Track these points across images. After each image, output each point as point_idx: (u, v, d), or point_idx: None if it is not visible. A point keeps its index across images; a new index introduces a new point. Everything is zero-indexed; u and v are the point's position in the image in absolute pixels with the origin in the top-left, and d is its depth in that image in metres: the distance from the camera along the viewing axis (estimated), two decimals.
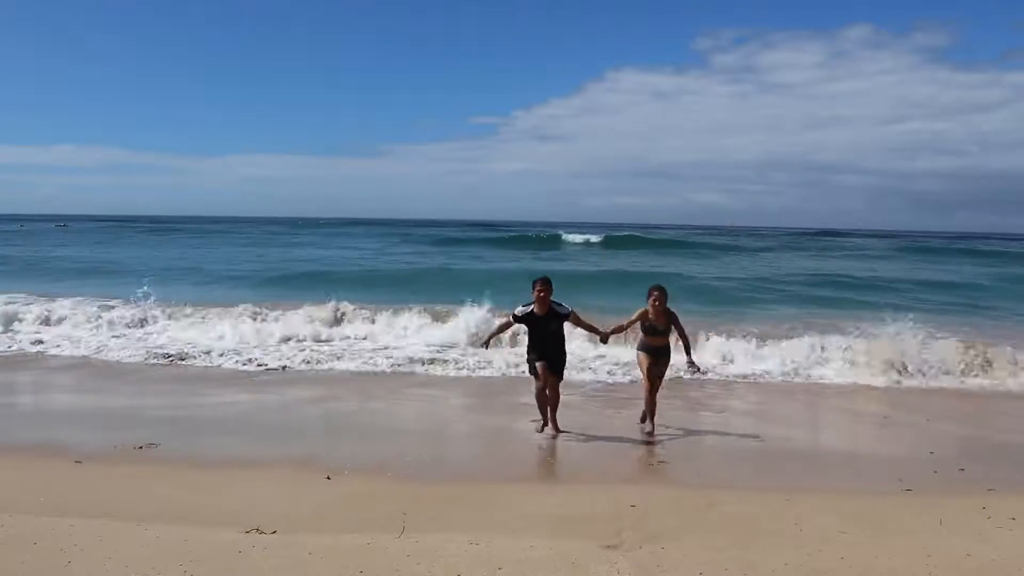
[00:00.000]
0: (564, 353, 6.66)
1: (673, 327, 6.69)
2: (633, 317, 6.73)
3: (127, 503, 4.55)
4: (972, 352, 9.71)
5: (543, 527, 4.23)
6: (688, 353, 6.68)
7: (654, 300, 6.59)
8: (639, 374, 6.85)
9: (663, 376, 6.86)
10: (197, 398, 7.98)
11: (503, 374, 9.16)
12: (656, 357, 6.71)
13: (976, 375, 9.37)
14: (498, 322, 7.38)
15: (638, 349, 6.83)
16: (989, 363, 9.56)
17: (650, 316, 6.64)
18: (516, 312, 6.65)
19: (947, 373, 9.31)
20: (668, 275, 18.99)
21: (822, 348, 9.90)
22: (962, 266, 29.78)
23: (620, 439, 6.46)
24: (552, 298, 6.49)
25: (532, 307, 6.50)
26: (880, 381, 9.07)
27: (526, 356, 6.74)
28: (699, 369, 6.92)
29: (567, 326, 6.65)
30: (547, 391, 6.46)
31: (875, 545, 4.00)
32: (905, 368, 9.35)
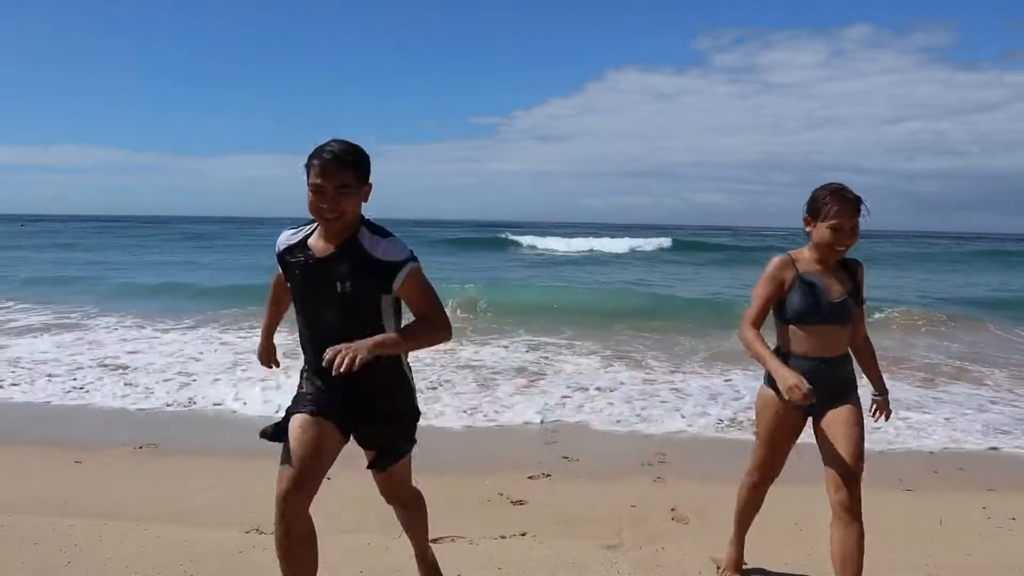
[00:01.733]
0: (394, 380, 2.63)
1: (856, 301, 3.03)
2: (761, 299, 2.98)
3: (127, 503, 4.55)
4: None
5: (543, 527, 4.23)
6: (877, 374, 3.23)
7: (834, 214, 2.87)
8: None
9: (861, 459, 2.89)
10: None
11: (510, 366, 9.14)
12: (818, 399, 2.77)
13: None
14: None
15: (767, 382, 3.05)
16: None
17: (813, 267, 2.96)
18: (279, 244, 2.67)
19: None
20: None
21: None
22: None
23: (620, 437, 6.45)
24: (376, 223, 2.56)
25: (306, 229, 2.62)
26: None
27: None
28: (887, 408, 3.24)
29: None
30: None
31: (875, 545, 3.99)
32: None
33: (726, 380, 8.53)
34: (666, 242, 41.83)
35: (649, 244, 40.93)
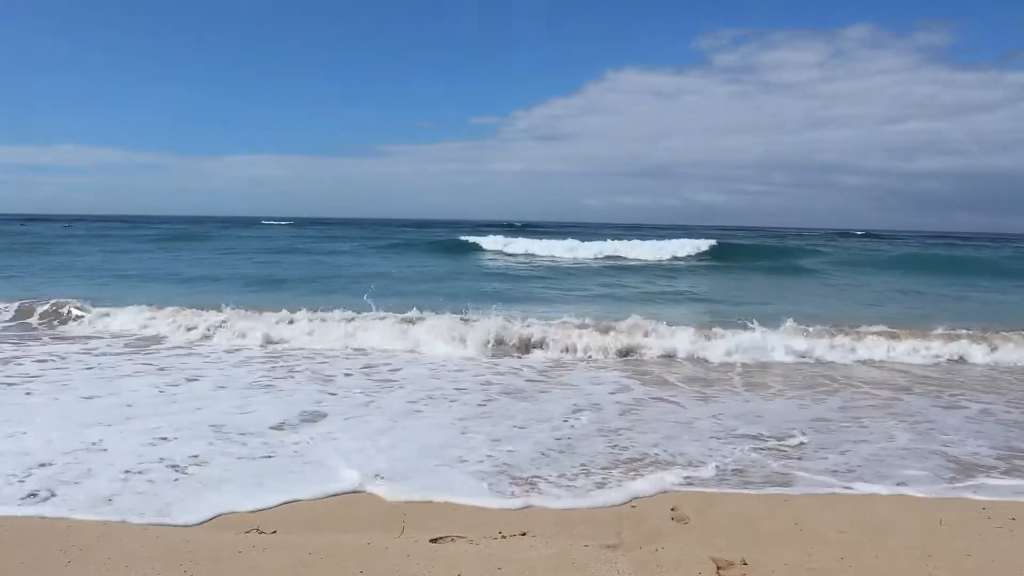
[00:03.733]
0: None
1: None
2: None
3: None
4: None
5: (543, 527, 4.23)
6: None
7: None
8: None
9: None
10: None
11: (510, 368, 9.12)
12: None
13: None
14: None
15: None
16: None
17: None
18: None
19: None
20: None
21: None
22: None
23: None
24: None
25: None
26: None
27: None
28: None
29: None
30: None
31: (875, 545, 4.00)
32: None
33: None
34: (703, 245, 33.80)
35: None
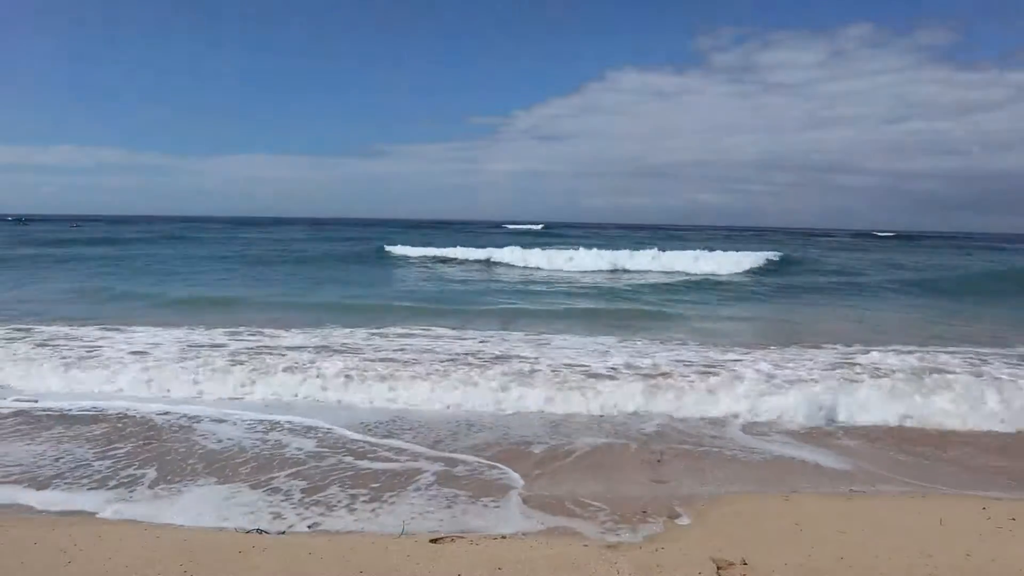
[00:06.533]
0: None
1: None
2: None
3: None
4: None
5: (543, 527, 4.24)
6: None
7: None
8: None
9: None
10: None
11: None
12: None
13: None
14: None
15: None
16: None
17: None
18: None
19: None
20: None
21: None
22: None
23: (619, 436, 6.45)
24: None
25: None
26: None
27: None
28: None
29: None
30: None
31: (875, 545, 4.00)
32: None
33: None
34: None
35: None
